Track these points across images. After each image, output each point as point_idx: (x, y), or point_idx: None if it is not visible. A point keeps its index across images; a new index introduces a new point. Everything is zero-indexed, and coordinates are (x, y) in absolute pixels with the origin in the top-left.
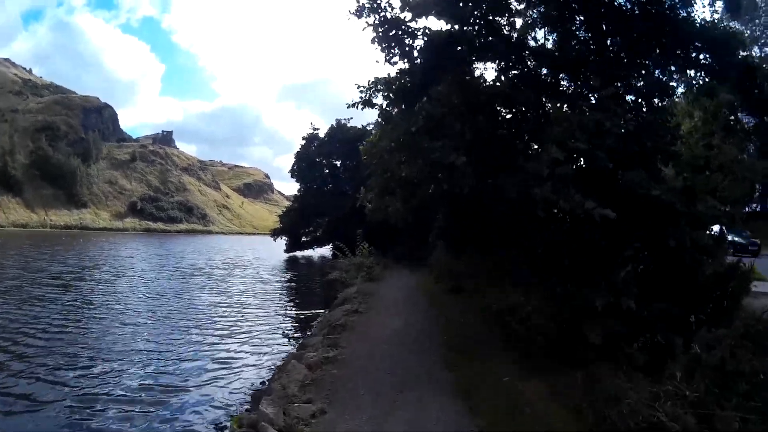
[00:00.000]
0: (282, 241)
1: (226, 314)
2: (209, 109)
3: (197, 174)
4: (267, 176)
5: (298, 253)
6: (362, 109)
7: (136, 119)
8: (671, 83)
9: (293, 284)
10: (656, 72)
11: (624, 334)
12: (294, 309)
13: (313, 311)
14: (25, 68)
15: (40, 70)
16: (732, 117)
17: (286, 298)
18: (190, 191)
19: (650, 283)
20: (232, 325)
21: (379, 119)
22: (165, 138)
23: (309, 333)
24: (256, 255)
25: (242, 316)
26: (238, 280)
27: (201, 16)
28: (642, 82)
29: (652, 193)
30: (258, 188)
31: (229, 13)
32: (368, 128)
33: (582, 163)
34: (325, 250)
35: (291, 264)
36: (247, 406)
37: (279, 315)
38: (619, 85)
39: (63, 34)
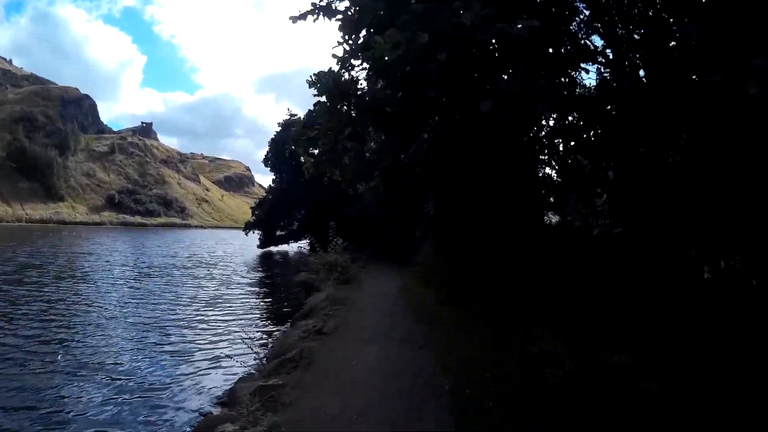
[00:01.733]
0: (257, 235)
1: (167, 334)
2: (191, 101)
3: (177, 166)
4: (248, 169)
5: (274, 249)
6: (315, 20)
7: (118, 111)
8: None
9: (262, 288)
10: None
11: None
12: (257, 324)
13: (276, 327)
14: (4, 58)
15: (21, 62)
16: None
17: (251, 308)
18: (169, 184)
19: None
20: (169, 355)
21: (344, 37)
22: (145, 130)
23: (252, 367)
24: (228, 250)
25: (188, 339)
26: (198, 283)
27: (182, 6)
28: None
29: None
30: (239, 181)
31: (211, 2)
32: None
33: None
34: (303, 245)
35: (264, 261)
36: None
37: (236, 335)
38: None
39: (44, 25)
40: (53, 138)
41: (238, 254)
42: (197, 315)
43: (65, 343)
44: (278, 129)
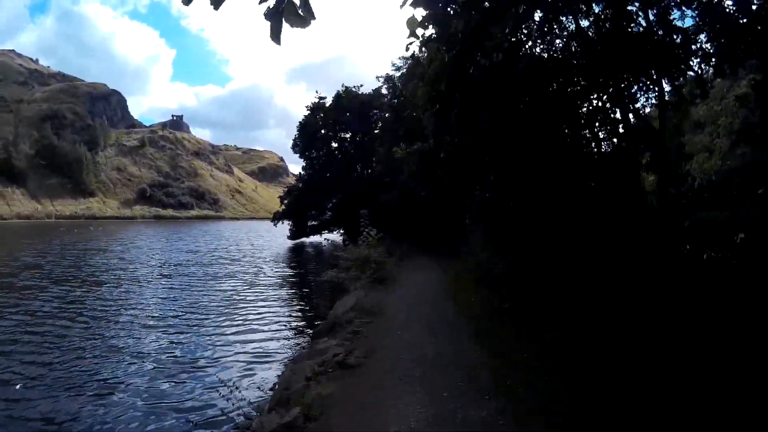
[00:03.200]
0: (287, 226)
1: (147, 367)
2: (222, 93)
3: (209, 158)
4: (281, 159)
5: (306, 240)
6: None
7: (148, 106)
8: None
9: (286, 290)
10: None
11: None
12: (269, 343)
13: (292, 347)
14: (31, 58)
15: (49, 61)
16: None
17: (267, 319)
18: (201, 176)
19: None
20: (139, 397)
21: None
22: (176, 123)
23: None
24: (257, 243)
25: (175, 371)
26: (214, 285)
27: None
28: None
29: None
30: (273, 172)
31: None
32: (382, 92)
33: None
34: (337, 236)
35: (294, 254)
36: None
37: (238, 365)
38: None
39: (70, 23)
40: (82, 134)
41: (267, 247)
42: (199, 332)
43: (22, 370)
44: (307, 113)
